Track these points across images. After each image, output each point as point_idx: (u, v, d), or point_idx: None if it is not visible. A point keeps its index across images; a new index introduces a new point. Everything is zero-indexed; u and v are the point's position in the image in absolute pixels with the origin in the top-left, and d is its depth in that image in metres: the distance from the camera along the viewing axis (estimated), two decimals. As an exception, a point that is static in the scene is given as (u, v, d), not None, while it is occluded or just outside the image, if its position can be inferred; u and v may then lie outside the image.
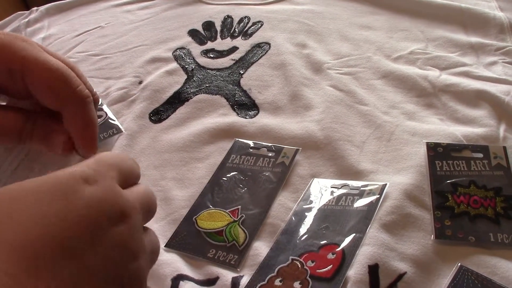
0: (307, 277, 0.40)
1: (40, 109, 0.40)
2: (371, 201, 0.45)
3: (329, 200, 0.47)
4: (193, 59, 0.71)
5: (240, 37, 0.75)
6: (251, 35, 0.75)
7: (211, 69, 0.69)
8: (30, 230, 0.20)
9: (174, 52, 0.73)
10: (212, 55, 0.71)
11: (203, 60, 0.71)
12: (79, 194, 0.22)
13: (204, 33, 0.77)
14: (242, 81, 0.65)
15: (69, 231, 0.21)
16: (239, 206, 0.48)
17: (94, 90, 0.40)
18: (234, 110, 0.61)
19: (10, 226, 0.20)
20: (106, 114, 0.62)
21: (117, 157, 0.27)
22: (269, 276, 0.41)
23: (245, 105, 0.61)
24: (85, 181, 0.23)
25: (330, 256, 0.41)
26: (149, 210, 0.27)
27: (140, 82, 0.67)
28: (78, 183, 0.22)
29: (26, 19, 0.88)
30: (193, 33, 0.77)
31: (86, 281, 0.20)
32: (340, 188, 0.48)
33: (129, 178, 0.26)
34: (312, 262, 0.41)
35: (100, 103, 0.64)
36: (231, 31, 0.76)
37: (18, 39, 0.38)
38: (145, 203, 0.26)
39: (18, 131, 0.39)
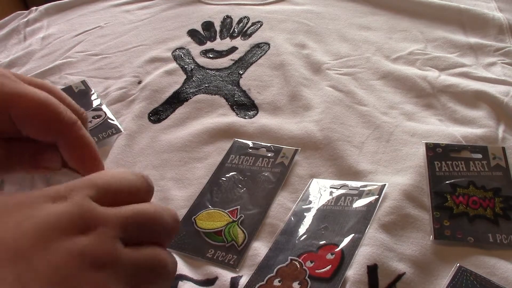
0: (306, 277, 0.40)
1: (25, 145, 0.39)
2: (370, 201, 0.45)
3: (328, 201, 0.47)
4: (192, 59, 0.71)
5: (239, 37, 0.75)
6: (250, 35, 0.75)
7: (211, 69, 0.69)
8: None
9: (173, 52, 0.73)
10: (211, 55, 0.71)
11: (202, 60, 0.71)
12: (42, 208, 0.23)
13: (204, 33, 0.77)
14: (242, 81, 0.65)
15: (21, 237, 0.22)
16: (238, 206, 0.48)
17: (82, 109, 0.38)
18: (233, 110, 0.61)
19: None
20: (105, 114, 0.62)
21: (110, 175, 0.27)
22: (268, 276, 0.41)
23: (244, 105, 0.61)
24: (53, 199, 0.24)
25: (329, 256, 0.41)
26: (142, 229, 0.26)
27: (139, 82, 0.67)
28: (45, 200, 0.24)
29: (26, 19, 0.88)
30: (192, 33, 0.77)
31: (34, 285, 0.21)
32: (339, 188, 0.48)
33: (116, 196, 0.26)
34: (311, 262, 0.41)
35: (99, 103, 0.64)
36: (231, 31, 0.76)
37: None
38: (134, 219, 0.26)
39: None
